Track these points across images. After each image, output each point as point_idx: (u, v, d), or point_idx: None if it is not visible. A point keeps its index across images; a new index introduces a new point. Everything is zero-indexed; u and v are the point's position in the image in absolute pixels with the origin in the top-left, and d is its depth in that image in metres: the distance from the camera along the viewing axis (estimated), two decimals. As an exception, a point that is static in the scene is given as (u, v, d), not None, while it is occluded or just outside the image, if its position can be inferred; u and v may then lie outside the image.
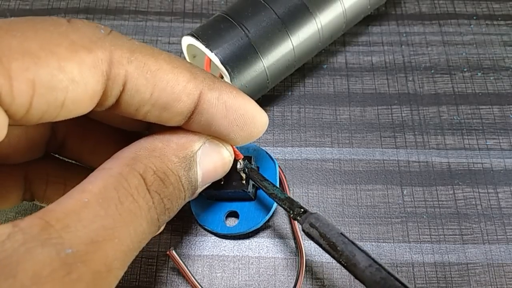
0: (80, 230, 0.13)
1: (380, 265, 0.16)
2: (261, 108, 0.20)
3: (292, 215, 0.20)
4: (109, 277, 0.14)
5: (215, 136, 0.19)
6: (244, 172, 0.23)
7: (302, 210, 0.19)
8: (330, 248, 0.18)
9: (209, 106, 0.17)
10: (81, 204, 0.14)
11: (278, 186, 0.24)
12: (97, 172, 0.15)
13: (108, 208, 0.14)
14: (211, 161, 0.18)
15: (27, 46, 0.13)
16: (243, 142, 0.19)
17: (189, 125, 0.18)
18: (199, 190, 0.19)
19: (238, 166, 0.22)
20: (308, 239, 0.19)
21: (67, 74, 0.13)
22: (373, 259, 0.17)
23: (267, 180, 0.22)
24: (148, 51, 0.16)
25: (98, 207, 0.14)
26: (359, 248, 0.17)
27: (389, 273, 0.16)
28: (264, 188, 0.21)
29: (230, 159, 0.20)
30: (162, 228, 0.17)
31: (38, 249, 0.12)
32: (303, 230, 0.19)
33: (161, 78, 0.16)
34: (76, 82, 0.14)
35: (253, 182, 0.22)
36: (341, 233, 0.18)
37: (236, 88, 0.19)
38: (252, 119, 0.19)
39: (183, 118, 0.17)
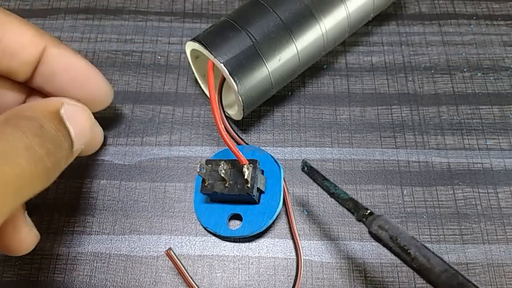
0: None
1: (456, 270, 0.16)
2: (105, 79, 0.23)
3: (356, 217, 0.19)
4: None
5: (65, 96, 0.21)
6: (304, 171, 0.22)
7: (368, 211, 0.19)
8: (402, 251, 0.17)
9: (52, 60, 0.20)
10: None
11: (282, 191, 0.25)
12: None
13: None
14: (76, 118, 0.20)
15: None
16: (90, 106, 0.22)
17: (35, 78, 0.21)
18: (78, 147, 0.20)
19: (300, 167, 0.22)
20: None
21: None
22: (448, 264, 0.16)
23: (328, 180, 0.21)
24: (2, 10, 0.20)
25: None
26: (433, 253, 0.17)
27: (466, 279, 0.16)
28: (325, 188, 0.21)
29: (90, 117, 0.22)
30: (53, 176, 0.19)
31: None
32: (370, 233, 0.19)
33: (10, 29, 0.20)
34: None
35: (315, 182, 0.22)
36: (412, 237, 0.18)
37: (78, 54, 0.22)
38: (94, 80, 0.22)
39: (30, 68, 0.20)
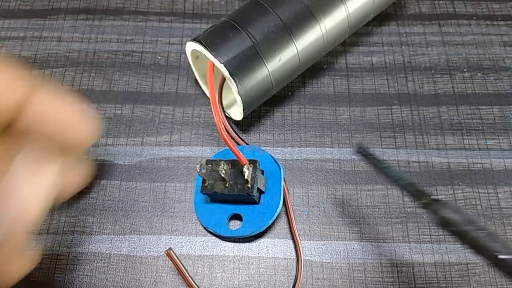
0: None
1: None
2: (90, 120, 0.20)
3: (423, 202, 0.18)
4: None
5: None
6: (362, 156, 0.21)
7: (434, 197, 0.18)
8: (481, 233, 0.16)
9: (31, 108, 0.18)
10: None
11: (282, 191, 0.25)
12: None
13: None
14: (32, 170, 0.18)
15: None
16: (70, 150, 0.19)
17: (13, 127, 0.18)
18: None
19: (357, 150, 0.21)
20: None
21: None
22: None
23: (385, 164, 0.20)
24: None
25: None
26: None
27: None
28: (385, 172, 0.20)
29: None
30: None
31: None
32: (442, 219, 0.18)
33: None
34: None
35: (373, 167, 0.21)
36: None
37: (66, 98, 0.19)
38: (75, 128, 0.19)
39: (6, 120, 0.18)
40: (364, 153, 0.21)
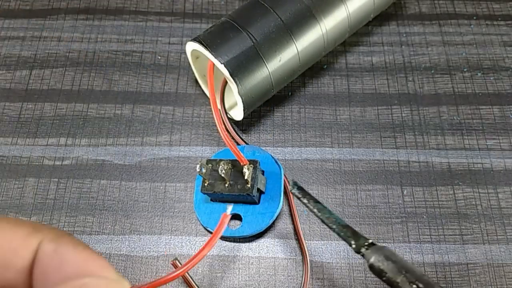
0: None
1: None
2: (113, 269, 0.17)
3: (355, 247, 0.17)
4: None
5: None
6: (293, 193, 0.20)
7: (370, 241, 0.17)
8: (415, 284, 0.15)
9: (44, 257, 0.16)
10: None
11: (282, 191, 0.25)
12: None
13: None
14: None
15: None
16: None
17: (33, 282, 0.17)
18: None
19: (291, 188, 0.20)
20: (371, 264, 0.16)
21: None
22: None
23: (321, 204, 0.19)
24: None
25: None
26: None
27: None
28: (317, 213, 0.19)
29: None
30: None
31: None
32: (372, 265, 0.16)
33: None
34: None
35: (305, 205, 0.19)
36: (423, 274, 0.16)
37: (84, 245, 0.17)
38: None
39: (27, 275, 0.16)
40: (300, 192, 0.20)
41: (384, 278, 0.16)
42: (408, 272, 0.15)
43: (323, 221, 0.18)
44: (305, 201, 0.19)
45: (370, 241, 0.17)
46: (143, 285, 0.18)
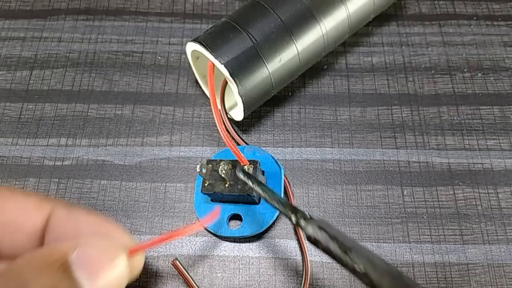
0: None
1: (397, 270, 0.16)
2: (127, 232, 0.18)
3: (295, 220, 0.18)
4: None
5: None
6: (240, 179, 0.22)
7: (309, 216, 0.18)
8: (343, 252, 0.16)
9: (58, 223, 0.17)
10: None
11: (282, 191, 0.25)
12: None
13: None
14: (98, 265, 0.15)
15: None
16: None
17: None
18: None
19: (237, 172, 0.22)
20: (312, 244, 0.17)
21: None
22: (389, 265, 0.16)
23: (265, 185, 0.21)
24: (3, 186, 0.17)
25: None
26: (373, 253, 0.16)
27: (409, 279, 0.15)
28: (262, 194, 0.20)
29: (123, 261, 0.17)
30: None
31: None
32: (309, 236, 0.18)
33: (11, 200, 0.16)
34: None
35: (252, 187, 0.21)
36: (353, 239, 0.17)
37: (96, 212, 0.18)
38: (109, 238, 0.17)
39: (37, 240, 0.17)
40: (245, 175, 0.21)
41: (319, 247, 0.17)
42: (340, 239, 0.17)
43: (266, 200, 0.20)
44: (250, 183, 0.21)
45: (308, 215, 0.18)
46: (146, 242, 0.18)
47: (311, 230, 0.17)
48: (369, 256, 0.16)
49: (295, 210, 0.19)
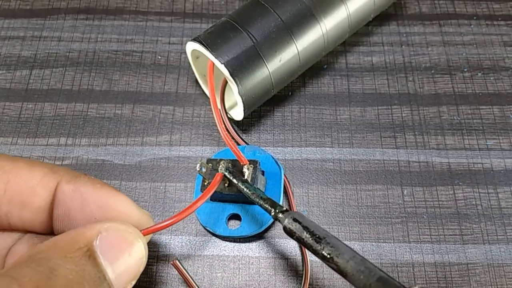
0: None
1: (362, 257, 0.17)
2: (133, 203, 0.18)
3: (273, 213, 0.20)
4: None
5: None
6: (225, 176, 0.22)
7: (285, 209, 0.20)
8: (314, 240, 0.18)
9: (64, 197, 0.17)
10: None
11: (282, 191, 0.25)
12: None
13: None
14: (119, 250, 0.16)
15: None
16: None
17: (54, 225, 0.17)
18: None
19: (220, 168, 0.22)
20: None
21: None
22: (356, 252, 0.17)
23: (247, 182, 0.22)
24: (5, 156, 0.17)
25: None
26: (342, 242, 0.18)
27: (371, 264, 0.17)
28: (244, 190, 0.21)
29: (142, 245, 0.17)
30: None
31: None
32: (284, 227, 0.19)
33: (15, 174, 0.16)
34: None
35: (233, 183, 0.22)
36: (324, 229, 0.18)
37: (102, 182, 0.18)
38: (116, 212, 0.17)
39: (46, 215, 0.17)
40: (229, 173, 0.22)
41: (294, 237, 0.19)
42: (311, 229, 0.18)
43: (248, 196, 0.21)
44: (234, 181, 0.22)
45: (284, 208, 0.20)
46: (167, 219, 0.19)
47: (286, 221, 0.19)
48: (337, 244, 0.17)
49: (274, 205, 0.20)
